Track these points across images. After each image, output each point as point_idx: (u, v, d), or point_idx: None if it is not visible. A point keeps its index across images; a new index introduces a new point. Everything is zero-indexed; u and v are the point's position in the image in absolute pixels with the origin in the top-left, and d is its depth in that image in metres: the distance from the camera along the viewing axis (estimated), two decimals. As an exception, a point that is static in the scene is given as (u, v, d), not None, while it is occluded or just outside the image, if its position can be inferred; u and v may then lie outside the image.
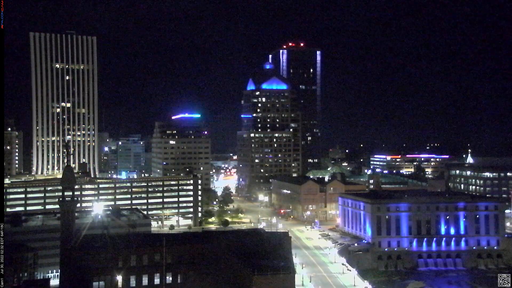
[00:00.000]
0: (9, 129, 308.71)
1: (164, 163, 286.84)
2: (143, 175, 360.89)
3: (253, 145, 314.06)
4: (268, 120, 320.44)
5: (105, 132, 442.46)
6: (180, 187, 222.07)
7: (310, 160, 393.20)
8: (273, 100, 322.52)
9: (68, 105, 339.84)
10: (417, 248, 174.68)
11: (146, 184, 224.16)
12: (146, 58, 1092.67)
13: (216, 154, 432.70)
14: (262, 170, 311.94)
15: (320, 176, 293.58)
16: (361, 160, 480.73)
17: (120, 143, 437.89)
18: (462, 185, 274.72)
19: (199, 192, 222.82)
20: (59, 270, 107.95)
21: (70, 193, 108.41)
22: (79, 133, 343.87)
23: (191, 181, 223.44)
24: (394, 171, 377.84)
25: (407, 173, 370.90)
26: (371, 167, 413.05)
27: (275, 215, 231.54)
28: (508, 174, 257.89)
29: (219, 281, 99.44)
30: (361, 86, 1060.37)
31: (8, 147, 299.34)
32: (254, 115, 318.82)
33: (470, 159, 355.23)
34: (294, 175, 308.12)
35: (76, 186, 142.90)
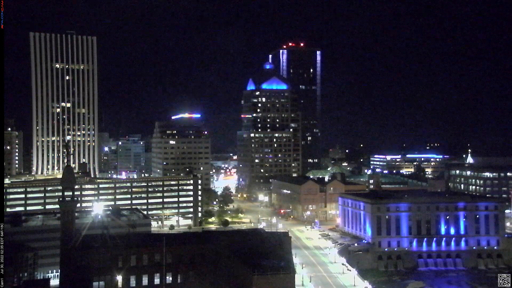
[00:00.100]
0: (9, 129, 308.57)
1: (164, 163, 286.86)
2: (143, 175, 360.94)
3: (253, 145, 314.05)
4: (268, 120, 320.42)
5: (105, 132, 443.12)
6: (180, 187, 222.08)
7: (310, 160, 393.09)
8: (273, 100, 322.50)
9: (68, 105, 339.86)
10: (417, 248, 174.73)
11: (146, 184, 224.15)
12: (146, 58, 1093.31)
13: (216, 154, 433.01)
14: (262, 170, 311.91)
15: (320, 176, 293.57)
16: (361, 160, 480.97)
17: (120, 143, 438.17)
18: (462, 185, 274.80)
19: (199, 192, 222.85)
20: (59, 270, 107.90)
21: (70, 193, 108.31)
22: (79, 133, 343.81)
23: (191, 181, 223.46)
24: (394, 171, 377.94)
25: (407, 173, 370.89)
26: (371, 167, 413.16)
27: (275, 215, 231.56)
28: (508, 174, 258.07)
29: (219, 281, 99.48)
30: (361, 86, 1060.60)
31: (8, 147, 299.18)
32: (254, 115, 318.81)
33: (470, 159, 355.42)
34: (294, 175, 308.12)
35: (76, 186, 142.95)
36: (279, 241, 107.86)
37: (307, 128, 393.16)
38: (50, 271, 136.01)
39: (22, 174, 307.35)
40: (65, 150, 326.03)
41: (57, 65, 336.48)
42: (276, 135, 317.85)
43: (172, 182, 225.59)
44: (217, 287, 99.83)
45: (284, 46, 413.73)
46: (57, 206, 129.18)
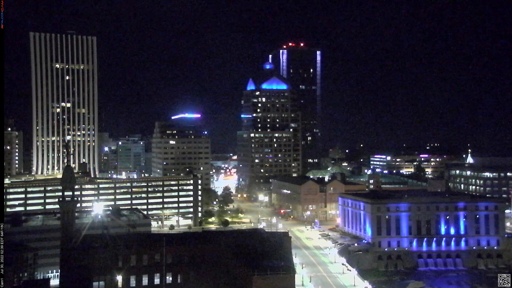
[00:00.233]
0: (9, 129, 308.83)
1: (164, 163, 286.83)
2: (143, 175, 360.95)
3: (253, 145, 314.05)
4: (268, 120, 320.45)
5: (105, 132, 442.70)
6: (180, 187, 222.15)
7: (310, 160, 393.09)
8: (273, 100, 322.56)
9: (68, 105, 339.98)
10: (417, 248, 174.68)
11: (146, 184, 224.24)
12: (146, 58, 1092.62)
13: (216, 154, 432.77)
14: (262, 170, 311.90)
15: (320, 176, 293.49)
16: (361, 160, 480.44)
17: (120, 143, 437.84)
18: (462, 185, 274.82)
19: (199, 192, 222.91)
20: (59, 270, 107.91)
21: (70, 193, 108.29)
22: (79, 133, 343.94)
23: (191, 181, 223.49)
24: (394, 171, 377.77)
25: (407, 173, 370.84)
26: (371, 167, 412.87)
27: (275, 215, 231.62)
28: (508, 174, 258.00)
29: (219, 281, 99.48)
30: (361, 86, 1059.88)
31: (8, 147, 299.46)
32: (254, 115, 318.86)
33: (470, 159, 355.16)
34: (294, 175, 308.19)
35: (76, 186, 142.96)
36: (279, 241, 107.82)
37: (307, 128, 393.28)
38: (50, 271, 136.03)
39: (22, 174, 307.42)
40: (65, 150, 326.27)
41: (57, 65, 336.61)
42: (276, 135, 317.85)
43: (172, 182, 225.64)
44: (217, 287, 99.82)
45: (284, 46, 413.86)
46: (57, 206, 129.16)
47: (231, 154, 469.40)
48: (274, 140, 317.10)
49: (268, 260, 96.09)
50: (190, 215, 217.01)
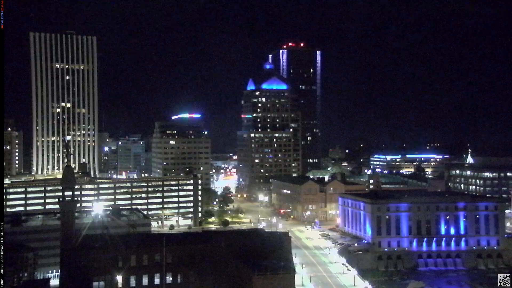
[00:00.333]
0: (9, 129, 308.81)
1: (164, 163, 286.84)
2: (143, 175, 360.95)
3: (253, 145, 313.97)
4: (268, 120, 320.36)
5: (105, 132, 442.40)
6: (180, 187, 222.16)
7: (310, 160, 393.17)
8: (273, 100, 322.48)
9: (68, 105, 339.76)
10: (417, 248, 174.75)
11: (146, 184, 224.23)
12: (146, 58, 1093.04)
13: (216, 154, 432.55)
14: (262, 170, 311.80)
15: (320, 176, 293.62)
16: (361, 160, 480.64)
17: (120, 143, 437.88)
18: (462, 185, 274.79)
19: (199, 192, 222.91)
20: (59, 270, 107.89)
21: (70, 193, 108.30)
22: (79, 133, 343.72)
23: (191, 181, 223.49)
24: (394, 171, 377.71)
25: (407, 173, 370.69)
26: (371, 167, 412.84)
27: (275, 215, 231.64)
28: (508, 174, 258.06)
29: (219, 281, 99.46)
30: (361, 86, 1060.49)
31: (8, 147, 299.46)
32: (254, 115, 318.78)
33: (470, 159, 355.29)
34: (294, 175, 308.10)
35: (76, 186, 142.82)
36: (279, 241, 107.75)
37: (307, 128, 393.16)
38: (50, 271, 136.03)
39: (22, 174, 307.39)
40: (65, 150, 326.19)
41: (57, 65, 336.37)
42: (276, 135, 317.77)
43: (172, 182, 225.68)
44: (217, 287, 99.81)
45: (284, 46, 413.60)
46: (57, 206, 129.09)
47: (231, 154, 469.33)
48: (274, 140, 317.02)
49: (268, 260, 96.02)
50: (190, 215, 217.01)
